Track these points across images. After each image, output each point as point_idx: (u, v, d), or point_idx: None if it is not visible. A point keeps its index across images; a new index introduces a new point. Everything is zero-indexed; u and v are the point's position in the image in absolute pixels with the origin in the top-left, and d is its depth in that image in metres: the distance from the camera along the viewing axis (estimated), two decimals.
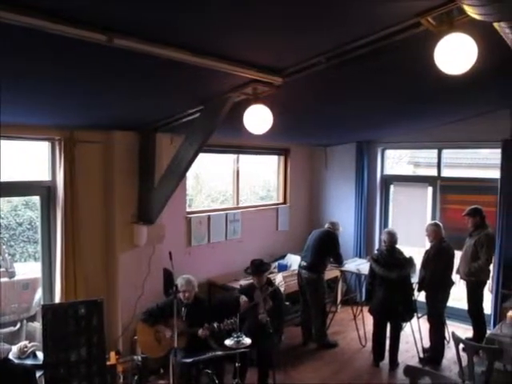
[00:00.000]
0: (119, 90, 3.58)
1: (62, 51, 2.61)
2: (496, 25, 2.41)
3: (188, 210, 6.44)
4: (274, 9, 2.35)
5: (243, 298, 4.85)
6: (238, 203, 7.20)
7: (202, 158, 6.31)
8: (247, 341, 4.16)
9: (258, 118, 3.69)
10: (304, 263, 6.16)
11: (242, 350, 4.15)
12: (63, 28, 2.20)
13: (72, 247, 4.78)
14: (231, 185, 7.21)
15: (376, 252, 5.85)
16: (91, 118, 4.49)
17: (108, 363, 4.39)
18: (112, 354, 4.61)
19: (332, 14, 2.52)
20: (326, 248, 6.17)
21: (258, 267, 5.06)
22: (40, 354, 4.20)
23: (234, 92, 3.78)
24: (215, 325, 4.47)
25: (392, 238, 5.56)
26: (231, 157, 7.12)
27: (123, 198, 5.18)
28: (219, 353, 4.32)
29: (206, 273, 6.42)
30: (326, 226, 6.47)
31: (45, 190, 4.89)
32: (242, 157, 7.24)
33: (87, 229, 5.01)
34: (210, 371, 4.37)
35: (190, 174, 6.28)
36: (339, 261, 6.36)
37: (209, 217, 6.59)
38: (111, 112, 4.35)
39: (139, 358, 4.80)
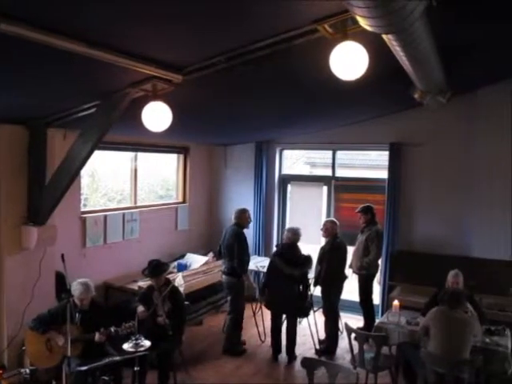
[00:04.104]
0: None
1: None
2: (385, 37, 2.60)
3: (83, 209, 6.15)
4: (174, 5, 2.31)
5: (140, 309, 4.73)
6: (135, 202, 7.01)
7: (98, 155, 6.06)
8: (146, 343, 4.05)
9: (157, 116, 3.61)
10: (224, 268, 6.04)
11: (141, 353, 4.03)
12: None
13: None
14: (129, 183, 6.99)
15: (277, 248, 5.99)
16: None
17: None
18: None
19: (232, 15, 2.55)
20: (235, 252, 5.85)
21: (156, 268, 4.96)
22: None
23: (132, 88, 3.66)
24: (112, 329, 4.30)
25: (295, 236, 5.74)
26: (129, 155, 6.91)
27: (9, 197, 4.79)
28: (116, 358, 4.15)
29: (102, 275, 6.17)
30: (233, 220, 6.10)
31: None
32: (141, 155, 7.06)
33: None
34: (107, 378, 4.19)
35: (85, 171, 6.00)
36: (239, 266, 5.79)
37: (105, 216, 6.34)
38: None
39: (27, 370, 4.46)
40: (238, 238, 5.89)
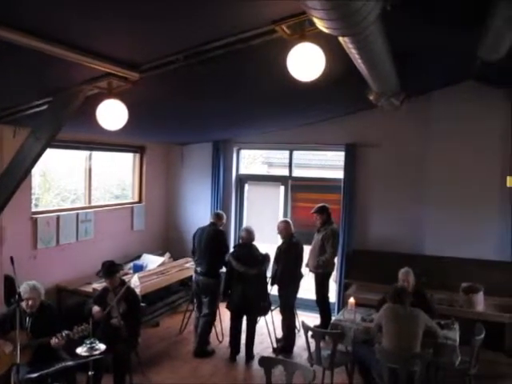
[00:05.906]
0: None
1: None
2: (341, 39, 2.64)
3: (34, 209, 5.93)
4: (132, 2, 2.28)
5: (96, 309, 4.62)
6: (90, 202, 6.83)
7: (51, 153, 5.87)
8: (101, 346, 3.95)
9: (112, 114, 3.54)
10: (200, 269, 5.91)
11: (96, 356, 3.93)
12: None
13: None
14: (83, 183, 6.81)
15: (234, 249, 5.99)
16: None
17: None
18: None
19: (190, 14, 2.52)
20: (217, 251, 5.90)
21: (109, 268, 4.88)
22: None
23: (86, 85, 3.57)
24: (64, 333, 4.16)
25: (249, 236, 5.76)
26: (83, 153, 6.73)
27: None
28: (70, 363, 4.03)
29: (54, 277, 5.98)
30: (210, 219, 6.18)
31: None
32: (95, 154, 6.90)
33: None
34: None
35: (36, 170, 5.78)
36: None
37: (58, 217, 6.14)
38: None
39: None
40: (222, 237, 6.01)
